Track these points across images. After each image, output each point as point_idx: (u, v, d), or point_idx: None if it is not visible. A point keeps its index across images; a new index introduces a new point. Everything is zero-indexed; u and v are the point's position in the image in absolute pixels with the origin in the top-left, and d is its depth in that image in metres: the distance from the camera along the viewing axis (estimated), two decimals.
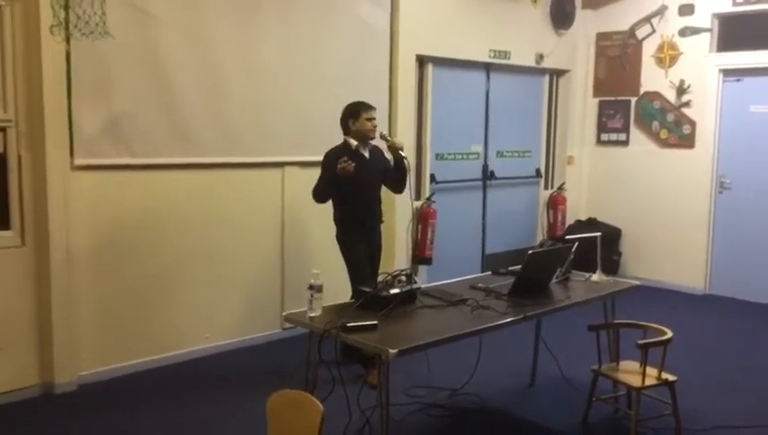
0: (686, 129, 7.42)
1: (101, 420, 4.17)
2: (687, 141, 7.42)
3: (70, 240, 4.49)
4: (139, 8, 4.66)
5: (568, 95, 8.16)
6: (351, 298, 3.93)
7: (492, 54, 7.10)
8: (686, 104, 7.40)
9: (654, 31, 7.59)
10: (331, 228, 4.75)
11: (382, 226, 4.94)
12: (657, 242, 7.67)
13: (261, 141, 5.40)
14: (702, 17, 7.22)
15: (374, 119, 4.67)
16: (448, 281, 4.27)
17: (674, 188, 7.51)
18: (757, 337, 6.02)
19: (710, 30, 7.20)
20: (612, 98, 7.99)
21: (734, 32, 7.12)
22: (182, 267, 5.08)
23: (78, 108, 4.47)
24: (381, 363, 3.07)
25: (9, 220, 4.39)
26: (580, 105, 8.21)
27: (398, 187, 4.83)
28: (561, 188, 8.05)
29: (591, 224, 7.76)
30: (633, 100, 7.81)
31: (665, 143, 7.60)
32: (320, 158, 4.68)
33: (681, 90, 7.41)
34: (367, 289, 3.66)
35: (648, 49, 7.66)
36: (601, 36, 8.03)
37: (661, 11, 7.50)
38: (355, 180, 4.45)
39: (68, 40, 4.08)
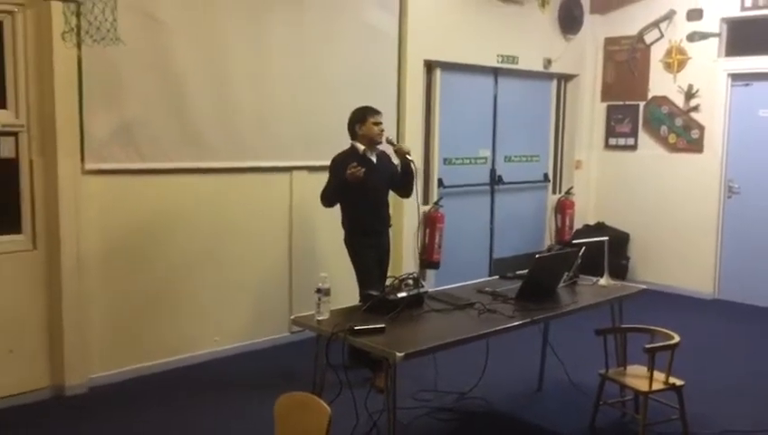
0: (695, 133, 7.41)
1: (111, 422, 4.21)
2: (696, 146, 7.41)
3: (80, 244, 4.54)
4: (150, 15, 4.70)
5: (576, 100, 8.17)
6: (360, 302, 3.95)
7: (500, 59, 7.12)
8: (695, 109, 7.39)
9: (662, 36, 7.58)
10: (339, 232, 4.77)
11: (390, 230, 4.96)
12: (665, 246, 7.66)
13: (269, 146, 5.43)
14: (710, 22, 7.22)
15: (381, 123, 4.70)
16: (455, 285, 4.29)
17: (682, 192, 7.50)
18: (765, 341, 6.00)
19: (718, 35, 7.19)
20: (620, 102, 7.99)
21: (743, 36, 7.11)
22: (191, 271, 5.11)
23: (89, 113, 4.52)
24: (388, 367, 3.08)
25: (21, 224, 4.43)
26: (589, 110, 8.21)
27: (405, 191, 4.85)
28: (568, 192, 8.06)
29: (599, 228, 7.76)
30: (641, 104, 7.81)
31: (673, 148, 7.60)
32: (327, 162, 4.71)
33: (689, 94, 7.40)
34: (374, 293, 3.68)
35: (657, 54, 7.65)
36: (609, 41, 8.04)
37: (669, 16, 7.49)
38: (363, 185, 4.48)
39: (79, 46, 4.11)
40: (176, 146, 4.94)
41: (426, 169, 6.72)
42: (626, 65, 7.89)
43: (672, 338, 3.83)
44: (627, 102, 7.93)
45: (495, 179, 7.41)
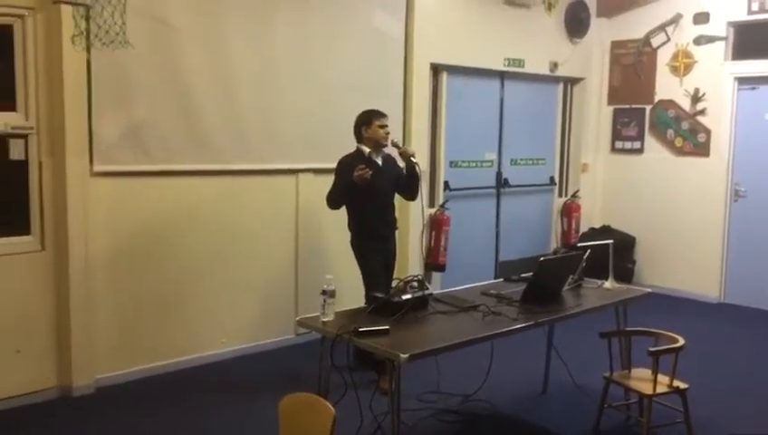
0: (701, 137, 7.41)
1: (118, 422, 4.24)
2: (702, 149, 7.41)
3: (88, 245, 4.57)
4: (158, 18, 4.74)
5: (582, 103, 8.17)
6: (365, 304, 3.97)
7: (506, 63, 7.14)
8: (701, 112, 7.39)
9: (669, 39, 7.58)
10: (345, 234, 4.80)
11: (396, 232, 4.98)
12: (671, 250, 7.65)
13: (276, 148, 5.47)
14: (717, 26, 7.22)
15: (386, 126, 4.72)
16: (460, 287, 4.31)
17: (688, 196, 7.49)
18: None
19: (725, 38, 7.19)
20: (627, 106, 7.99)
21: (749, 40, 7.11)
22: (198, 272, 5.15)
23: (98, 115, 4.56)
24: (393, 368, 3.10)
25: (29, 225, 4.47)
26: (595, 113, 8.22)
27: (410, 194, 4.88)
28: (575, 195, 8.06)
29: (606, 232, 7.76)
30: (648, 108, 7.81)
31: (679, 151, 7.59)
32: (333, 165, 4.73)
33: (696, 98, 7.40)
34: (380, 295, 3.70)
35: (663, 57, 7.65)
36: (616, 44, 8.04)
37: (676, 19, 7.50)
38: (368, 188, 4.50)
39: (89, 49, 4.16)
40: (183, 148, 4.97)
41: (432, 171, 6.74)
42: (632, 69, 7.89)
43: (676, 341, 3.83)
44: (633, 106, 7.93)
45: (501, 182, 7.42)
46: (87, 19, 3.86)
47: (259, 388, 4.74)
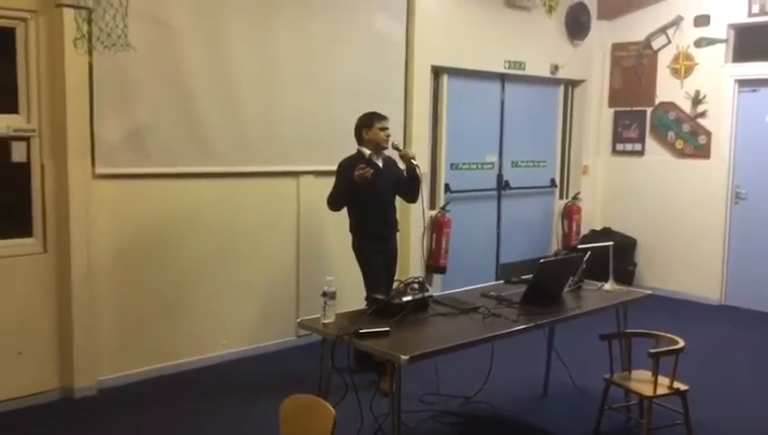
0: (702, 139, 7.42)
1: (120, 424, 4.25)
2: (703, 152, 7.42)
3: (90, 247, 4.59)
4: (160, 21, 4.76)
5: (583, 105, 8.18)
6: (366, 306, 3.98)
7: (507, 65, 7.15)
8: (702, 115, 7.40)
9: (669, 41, 7.60)
10: (346, 236, 4.81)
11: (398, 234, 4.99)
12: (672, 252, 7.66)
13: (277, 151, 5.48)
14: (717, 28, 7.23)
15: (387, 129, 4.74)
16: (460, 289, 4.32)
17: (689, 198, 7.50)
18: None
19: (726, 41, 7.20)
20: (628, 108, 8.00)
21: (750, 42, 7.12)
22: (200, 274, 5.16)
23: (100, 118, 4.58)
24: (393, 370, 3.11)
25: (32, 227, 4.49)
26: (596, 115, 8.23)
27: (411, 196, 4.89)
28: (575, 197, 8.07)
29: (606, 234, 7.76)
30: (648, 110, 7.82)
31: (680, 153, 7.60)
32: (334, 167, 4.75)
33: (696, 100, 7.41)
34: (380, 297, 3.71)
35: (664, 59, 7.67)
36: (617, 47, 8.06)
37: (677, 22, 7.51)
38: (369, 190, 4.52)
39: (90, 52, 4.17)
40: (185, 150, 4.99)
41: (433, 174, 6.75)
42: (633, 71, 7.91)
43: (676, 343, 3.84)
44: (634, 108, 7.94)
45: (502, 185, 7.43)
46: (89, 22, 3.88)
47: (260, 390, 4.75)
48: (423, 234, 5.86)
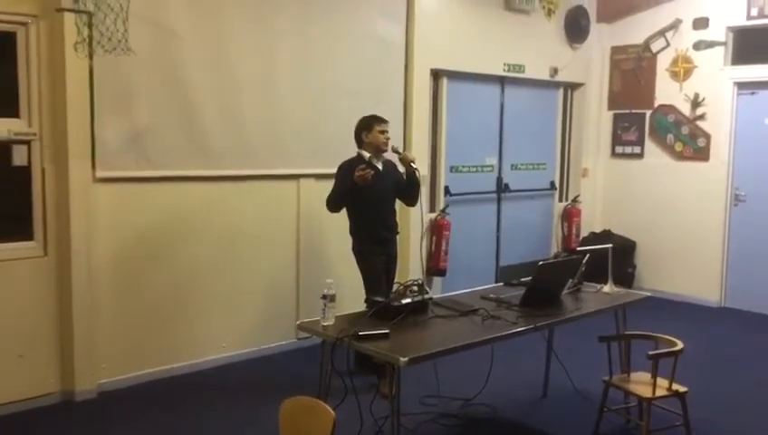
0: (701, 141, 7.43)
1: (120, 427, 4.26)
2: (702, 154, 7.43)
3: (91, 250, 4.60)
4: (160, 25, 4.78)
5: (582, 108, 8.20)
6: (366, 308, 3.98)
7: (506, 68, 7.16)
8: (701, 117, 7.41)
9: (668, 44, 7.62)
10: (346, 239, 4.82)
11: (398, 237, 5.01)
12: (671, 254, 7.67)
13: (277, 154, 5.49)
14: (716, 31, 7.25)
15: (387, 132, 4.75)
16: (460, 292, 4.33)
17: (689, 200, 7.51)
18: None
19: (724, 43, 7.22)
20: (627, 111, 8.02)
21: (749, 45, 7.13)
22: (200, 277, 5.17)
23: (100, 122, 4.59)
24: (393, 372, 3.12)
25: (32, 231, 4.50)
26: (595, 118, 8.24)
27: (410, 200, 4.91)
28: (575, 200, 8.08)
29: (606, 236, 7.75)
30: (648, 113, 7.84)
31: (680, 156, 7.61)
32: (334, 170, 4.75)
33: (695, 103, 7.43)
34: (380, 299, 3.72)
35: (663, 62, 7.69)
36: (616, 50, 8.07)
37: (675, 25, 7.53)
38: (369, 193, 4.53)
39: (91, 56, 4.18)
40: (185, 154, 5.00)
41: (432, 176, 6.76)
42: (632, 74, 7.92)
43: (675, 345, 3.85)
44: (633, 111, 7.96)
45: (502, 187, 7.44)
46: (89, 26, 3.90)
47: (260, 392, 4.75)
48: (422, 236, 5.86)
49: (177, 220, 5.05)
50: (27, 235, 4.49)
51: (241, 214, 5.36)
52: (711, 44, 7.30)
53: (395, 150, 4.83)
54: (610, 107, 8.18)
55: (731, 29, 7.21)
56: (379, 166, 4.75)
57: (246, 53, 5.24)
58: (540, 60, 7.48)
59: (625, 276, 7.29)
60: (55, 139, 4.47)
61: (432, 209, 6.70)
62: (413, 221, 5.82)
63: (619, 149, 8.13)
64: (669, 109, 7.65)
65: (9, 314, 4.36)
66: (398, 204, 4.99)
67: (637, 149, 7.97)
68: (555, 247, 8.01)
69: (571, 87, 8.14)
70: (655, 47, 7.72)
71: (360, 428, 3.76)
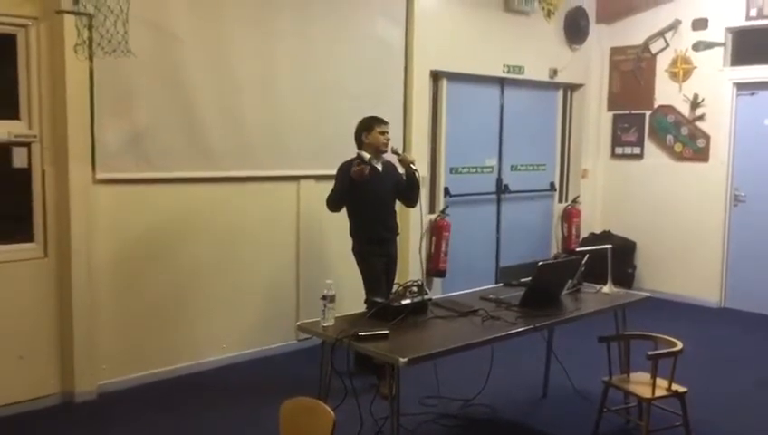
0: (701, 142, 7.44)
1: (121, 428, 4.27)
2: (702, 155, 7.44)
3: (91, 252, 4.61)
4: (160, 27, 4.79)
5: (582, 109, 8.21)
6: (365, 309, 3.99)
7: (506, 69, 7.17)
8: (700, 118, 7.42)
9: (668, 45, 7.62)
10: (346, 240, 4.83)
11: (398, 238, 5.01)
12: (671, 255, 7.67)
13: (277, 155, 5.50)
14: (715, 32, 7.26)
15: (387, 133, 4.76)
16: (459, 292, 4.33)
17: (688, 201, 7.52)
18: None
19: (723, 44, 7.23)
20: (626, 112, 8.03)
21: (748, 46, 7.14)
22: (200, 279, 5.18)
23: (100, 123, 4.60)
24: (392, 372, 3.13)
25: (33, 232, 4.50)
26: (595, 119, 8.25)
27: (410, 201, 4.92)
28: (575, 201, 8.09)
29: (606, 237, 7.76)
30: (647, 113, 7.84)
31: (679, 157, 7.62)
32: (334, 171, 4.75)
33: (695, 104, 7.44)
34: (379, 300, 3.73)
35: (662, 63, 7.69)
36: (615, 51, 8.08)
37: (675, 25, 7.54)
38: (368, 193, 4.54)
39: (91, 58, 4.19)
40: (185, 155, 5.01)
41: (432, 177, 6.77)
42: (632, 75, 7.93)
43: (675, 345, 3.85)
44: (633, 112, 7.97)
45: (502, 188, 7.45)
46: (89, 28, 3.91)
47: (260, 393, 4.76)
48: (422, 237, 5.87)
49: (177, 221, 5.05)
50: (27, 236, 4.49)
51: (241, 215, 5.37)
52: (710, 45, 7.31)
53: (395, 151, 4.84)
54: (610, 108, 8.19)
55: (730, 30, 7.21)
56: (379, 167, 4.76)
57: (246, 54, 5.25)
58: (539, 61, 7.49)
59: (625, 277, 7.30)
60: (55, 140, 4.48)
61: (432, 210, 6.71)
62: (413, 222, 5.82)
63: (618, 150, 8.14)
64: (669, 109, 7.66)
65: (9, 316, 4.37)
66: (398, 205, 4.99)
67: (636, 150, 7.97)
68: (555, 248, 8.01)
69: (570, 88, 8.15)
70: (654, 48, 7.73)
71: (360, 428, 3.77)
